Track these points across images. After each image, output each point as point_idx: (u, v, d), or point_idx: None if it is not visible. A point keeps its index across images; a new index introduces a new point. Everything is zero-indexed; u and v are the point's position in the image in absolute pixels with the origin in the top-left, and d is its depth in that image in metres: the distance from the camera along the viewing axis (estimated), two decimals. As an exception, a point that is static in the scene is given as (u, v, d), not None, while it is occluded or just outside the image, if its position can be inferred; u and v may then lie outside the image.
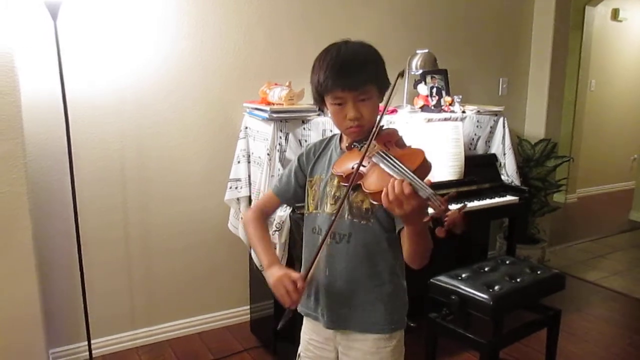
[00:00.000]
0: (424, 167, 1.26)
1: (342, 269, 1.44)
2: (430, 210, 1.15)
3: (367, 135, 1.36)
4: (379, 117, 1.35)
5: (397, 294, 1.47)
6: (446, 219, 1.10)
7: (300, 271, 1.40)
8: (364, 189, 1.30)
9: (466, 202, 1.15)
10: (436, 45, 3.35)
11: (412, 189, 1.15)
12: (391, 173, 1.23)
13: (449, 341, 2.54)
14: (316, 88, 1.40)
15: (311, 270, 1.36)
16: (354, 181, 1.31)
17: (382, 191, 1.20)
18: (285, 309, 1.38)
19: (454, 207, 1.14)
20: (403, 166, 1.23)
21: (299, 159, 1.56)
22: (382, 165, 1.28)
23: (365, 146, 1.31)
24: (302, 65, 2.98)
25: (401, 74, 1.32)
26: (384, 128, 1.40)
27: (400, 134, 1.44)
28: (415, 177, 1.18)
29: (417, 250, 1.29)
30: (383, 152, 1.31)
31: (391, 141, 1.38)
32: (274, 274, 1.38)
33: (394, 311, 1.46)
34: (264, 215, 1.60)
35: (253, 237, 1.53)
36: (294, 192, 1.56)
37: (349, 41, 1.39)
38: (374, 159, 1.31)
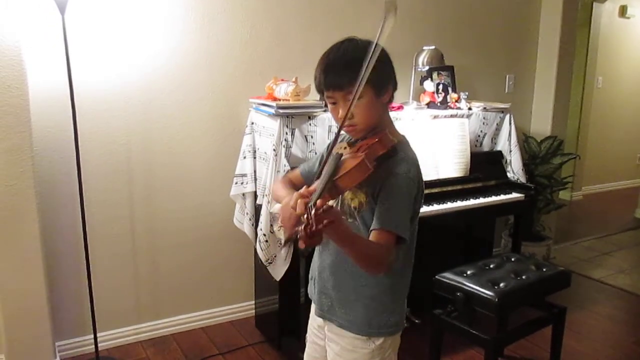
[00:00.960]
0: (348, 179, 1.24)
1: (328, 262, 1.47)
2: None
3: (369, 133, 1.36)
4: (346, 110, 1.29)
5: (380, 299, 1.44)
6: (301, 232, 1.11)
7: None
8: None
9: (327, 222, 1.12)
10: (443, 41, 3.34)
11: (302, 210, 1.14)
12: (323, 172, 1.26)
13: (453, 338, 2.54)
14: (315, 86, 1.42)
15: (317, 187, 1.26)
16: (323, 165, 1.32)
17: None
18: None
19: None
20: (327, 173, 1.23)
21: (327, 147, 1.56)
22: (325, 165, 1.28)
23: (363, 150, 1.28)
24: (308, 61, 2.97)
25: (393, 9, 1.22)
26: (377, 140, 1.32)
27: (394, 150, 1.35)
28: (326, 186, 1.18)
29: (350, 257, 1.29)
30: (336, 154, 1.31)
31: (370, 151, 1.29)
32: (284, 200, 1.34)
33: (374, 315, 1.44)
34: (291, 184, 1.59)
35: (278, 190, 1.53)
36: (313, 177, 1.56)
37: (352, 39, 1.36)
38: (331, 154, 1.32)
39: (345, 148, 1.35)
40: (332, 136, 2.60)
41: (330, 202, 1.33)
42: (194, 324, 3.03)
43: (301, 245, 1.11)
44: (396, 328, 1.48)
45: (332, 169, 1.25)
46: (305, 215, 1.10)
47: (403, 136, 1.44)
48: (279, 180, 1.63)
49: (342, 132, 1.48)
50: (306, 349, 1.66)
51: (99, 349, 2.60)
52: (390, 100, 1.41)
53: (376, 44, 1.23)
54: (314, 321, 1.60)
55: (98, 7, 2.49)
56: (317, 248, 1.55)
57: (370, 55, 1.23)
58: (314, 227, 1.08)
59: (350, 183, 1.25)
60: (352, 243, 1.25)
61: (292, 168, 2.35)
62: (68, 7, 2.21)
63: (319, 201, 1.14)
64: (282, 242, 1.47)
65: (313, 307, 1.60)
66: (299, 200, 1.17)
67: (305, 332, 1.68)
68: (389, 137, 1.34)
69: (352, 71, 1.27)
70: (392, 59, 1.39)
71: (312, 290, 1.58)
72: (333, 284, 1.47)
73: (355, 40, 1.37)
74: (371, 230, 1.31)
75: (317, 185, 1.22)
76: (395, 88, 1.41)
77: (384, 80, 1.36)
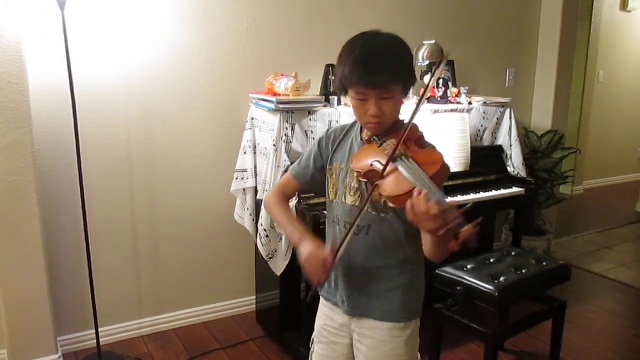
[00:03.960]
0: (441, 173, 1.26)
1: (360, 259, 1.45)
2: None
3: (388, 128, 1.36)
4: (409, 117, 1.30)
5: (413, 283, 1.48)
6: (461, 233, 1.10)
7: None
8: (382, 192, 1.29)
9: (482, 217, 1.12)
10: (443, 36, 3.33)
11: (439, 209, 1.13)
12: (411, 180, 1.21)
13: (454, 331, 2.55)
14: (340, 79, 1.36)
15: (338, 255, 1.36)
16: (372, 189, 1.31)
17: (398, 195, 1.20)
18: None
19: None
20: (423, 174, 1.21)
21: (318, 144, 1.54)
22: (401, 170, 1.25)
23: (391, 149, 1.28)
24: (308, 56, 3.01)
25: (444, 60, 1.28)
26: (404, 122, 1.36)
27: (420, 130, 1.40)
28: (433, 185, 1.17)
29: (436, 251, 1.28)
30: (404, 157, 1.28)
31: (411, 138, 1.34)
32: (305, 250, 1.38)
33: (409, 301, 1.47)
34: (285, 197, 1.60)
35: (279, 217, 1.55)
36: (311, 176, 1.55)
37: (379, 33, 1.35)
38: (394, 164, 1.27)
39: (391, 147, 1.31)
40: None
41: (355, 198, 1.41)
42: (195, 319, 3.04)
43: (456, 247, 1.12)
44: (421, 310, 1.52)
45: (418, 170, 1.23)
46: (447, 219, 1.11)
47: None
48: (274, 201, 1.57)
49: (351, 127, 1.51)
50: (317, 350, 1.62)
51: (101, 343, 2.60)
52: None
53: (439, 64, 1.31)
54: (332, 320, 1.56)
55: (97, 3, 2.49)
56: (329, 241, 1.52)
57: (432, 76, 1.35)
58: (464, 226, 1.09)
59: (442, 179, 1.25)
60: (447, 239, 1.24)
61: (288, 166, 2.35)
62: (67, 3, 2.20)
63: (452, 202, 1.13)
64: (309, 295, 1.48)
65: (323, 308, 1.58)
66: (430, 203, 1.14)
67: (307, 326, 1.67)
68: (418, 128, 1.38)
69: (392, 70, 1.29)
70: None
71: (334, 292, 1.53)
72: (369, 280, 1.46)
73: (382, 35, 1.35)
74: None
75: (422, 189, 1.16)
76: (413, 83, 1.42)
77: (412, 77, 1.38)
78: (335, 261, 1.36)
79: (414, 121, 1.33)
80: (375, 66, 1.29)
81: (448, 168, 1.29)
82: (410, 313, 1.48)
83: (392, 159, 1.27)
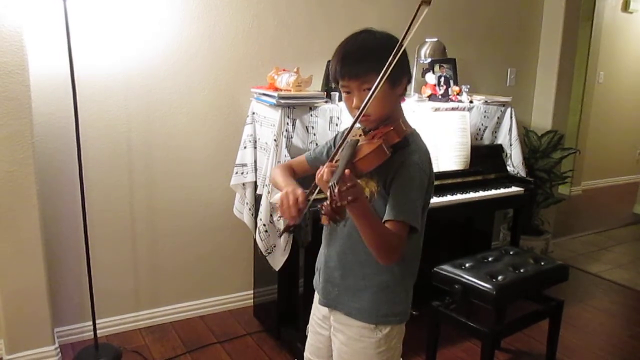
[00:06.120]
0: (364, 160, 1.28)
1: (337, 250, 1.48)
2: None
3: (379, 124, 1.37)
4: (365, 99, 1.30)
5: (389, 287, 1.45)
6: (323, 206, 1.15)
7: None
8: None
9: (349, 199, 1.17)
10: (445, 34, 3.32)
11: (327, 178, 1.21)
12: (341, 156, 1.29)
13: (451, 329, 2.56)
14: (331, 74, 1.43)
15: (311, 197, 1.35)
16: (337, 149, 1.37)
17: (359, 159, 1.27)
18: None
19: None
20: (347, 155, 1.27)
21: (335, 137, 1.62)
22: (341, 150, 1.33)
23: (349, 128, 1.36)
24: (310, 52, 3.01)
25: (426, 2, 1.25)
26: (392, 129, 1.34)
27: (401, 137, 1.34)
28: (345, 165, 1.22)
29: (364, 237, 1.30)
30: (352, 141, 1.35)
31: (383, 138, 1.31)
32: (285, 189, 1.37)
33: (382, 303, 1.45)
34: (292, 171, 1.62)
35: (277, 176, 1.57)
36: (322, 164, 1.55)
37: (370, 30, 1.39)
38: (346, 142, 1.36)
39: (360, 135, 1.38)
40: (334, 127, 2.60)
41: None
42: (193, 313, 3.04)
43: (324, 220, 1.15)
44: (402, 317, 1.49)
45: (350, 152, 1.29)
46: (330, 191, 1.14)
47: (414, 129, 1.45)
48: (279, 167, 1.64)
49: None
50: (308, 339, 1.67)
51: (98, 335, 2.61)
52: (404, 92, 1.42)
53: (405, 35, 1.26)
54: (318, 311, 1.60)
55: (100, -6, 2.48)
56: (323, 239, 1.55)
57: (397, 47, 1.26)
58: (339, 202, 1.13)
59: (367, 166, 1.29)
60: (371, 223, 1.27)
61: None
62: (70, -7, 2.20)
63: (344, 176, 1.16)
64: (281, 230, 1.48)
65: (316, 297, 1.61)
66: (325, 170, 1.23)
67: (304, 322, 1.69)
68: (403, 127, 1.36)
69: (369, 61, 1.32)
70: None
71: (317, 280, 1.58)
72: (341, 272, 1.48)
73: (373, 32, 1.38)
74: (385, 221, 1.32)
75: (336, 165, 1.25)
76: (409, 81, 1.43)
77: (399, 73, 1.35)
78: (308, 201, 1.33)
79: (412, 131, 1.41)
80: (353, 57, 1.35)
81: (372, 159, 1.29)
82: (381, 316, 1.45)
83: (346, 136, 1.36)
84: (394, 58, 1.25)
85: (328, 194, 1.16)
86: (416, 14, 1.25)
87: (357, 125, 1.46)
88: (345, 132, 1.37)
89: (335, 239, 1.48)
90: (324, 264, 1.54)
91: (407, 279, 1.49)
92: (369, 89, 1.30)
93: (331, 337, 1.55)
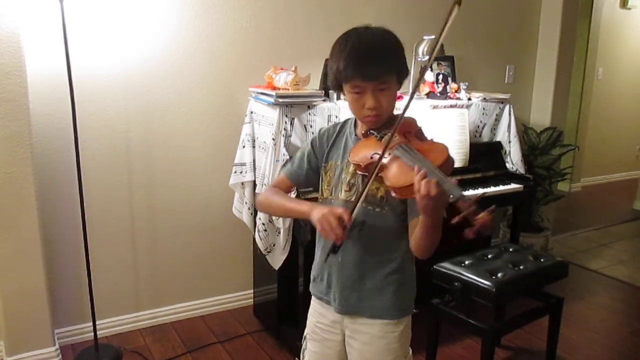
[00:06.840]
0: (448, 164, 1.24)
1: (354, 256, 1.45)
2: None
3: (384, 123, 1.36)
4: (403, 107, 1.29)
5: (406, 280, 1.49)
6: (476, 220, 1.08)
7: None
8: (385, 182, 1.28)
9: (495, 205, 1.12)
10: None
11: (439, 190, 1.11)
12: (414, 166, 1.19)
13: (451, 327, 2.56)
14: (335, 75, 1.36)
15: (353, 214, 1.31)
16: (376, 173, 1.28)
17: (404, 186, 1.19)
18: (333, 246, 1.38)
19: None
20: (428, 161, 1.20)
21: (312, 143, 1.55)
22: (404, 159, 1.25)
23: (387, 137, 1.28)
24: (308, 50, 3.00)
25: (458, 2, 1.24)
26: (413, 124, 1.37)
27: (419, 124, 1.41)
28: (440, 172, 1.15)
29: (427, 241, 1.27)
30: (406, 146, 1.28)
31: (410, 132, 1.35)
32: (319, 211, 1.32)
33: (402, 297, 1.48)
34: (281, 192, 1.59)
35: (280, 201, 1.53)
36: (305, 176, 1.55)
37: (369, 27, 1.36)
38: (395, 152, 1.28)
39: (397, 138, 1.31)
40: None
41: (350, 194, 1.40)
42: (193, 313, 3.04)
43: (470, 234, 1.09)
44: (413, 306, 1.53)
45: (423, 159, 1.22)
46: (456, 206, 1.09)
47: None
48: (270, 191, 1.58)
49: (344, 125, 1.51)
50: (309, 348, 1.61)
51: (98, 336, 2.61)
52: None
53: (440, 34, 1.28)
54: (324, 317, 1.55)
55: (97, -6, 2.48)
56: (321, 249, 1.52)
57: (437, 42, 1.28)
58: (479, 213, 1.07)
59: (448, 170, 1.23)
60: (440, 227, 1.24)
61: (286, 161, 2.35)
62: (67, -6, 2.19)
63: (457, 186, 1.11)
64: (326, 255, 1.46)
65: (315, 305, 1.58)
66: (430, 185, 1.13)
67: (304, 321, 1.66)
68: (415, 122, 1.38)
69: (387, 61, 1.31)
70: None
71: (324, 289, 1.52)
72: (361, 277, 1.45)
73: (374, 28, 1.36)
74: (413, 218, 1.32)
75: (433, 178, 1.14)
76: (406, 75, 1.42)
77: (405, 69, 1.38)
78: (352, 218, 1.30)
79: (411, 116, 1.35)
80: (371, 58, 1.30)
81: (453, 161, 1.28)
82: (402, 310, 1.48)
83: (391, 146, 1.27)
84: (431, 57, 1.27)
85: (455, 208, 1.09)
86: (450, 14, 1.26)
87: (356, 126, 1.46)
88: (386, 141, 1.28)
89: (351, 245, 1.43)
90: (337, 273, 1.48)
91: (414, 270, 1.52)
92: (384, 89, 1.32)
93: (347, 341, 1.53)
